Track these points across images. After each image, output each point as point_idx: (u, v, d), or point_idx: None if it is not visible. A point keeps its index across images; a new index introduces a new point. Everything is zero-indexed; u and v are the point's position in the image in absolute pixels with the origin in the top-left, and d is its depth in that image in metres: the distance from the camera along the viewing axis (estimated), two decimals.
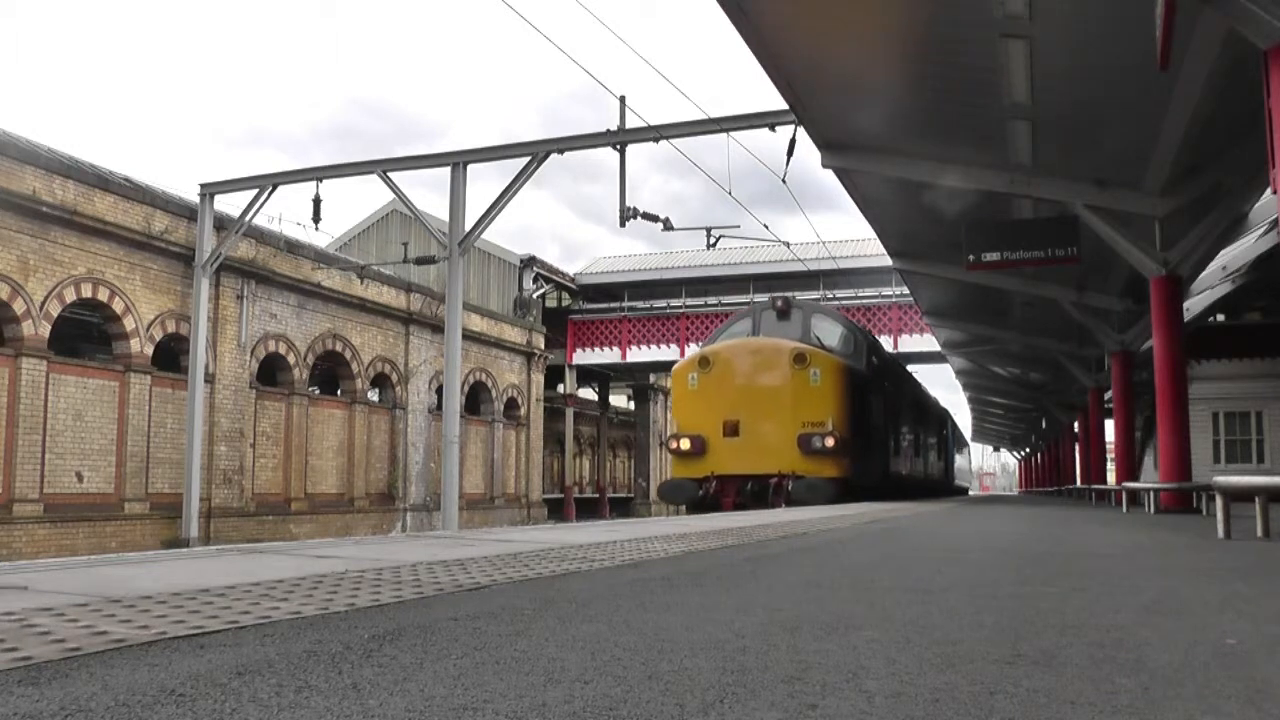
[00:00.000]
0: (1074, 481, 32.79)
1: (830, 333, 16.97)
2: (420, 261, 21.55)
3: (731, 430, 15.02)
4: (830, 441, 14.43)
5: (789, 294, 18.05)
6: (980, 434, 71.32)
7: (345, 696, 1.50)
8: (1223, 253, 16.73)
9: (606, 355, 36.73)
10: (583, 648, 1.95)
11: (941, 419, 36.00)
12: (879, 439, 18.17)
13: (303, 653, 1.81)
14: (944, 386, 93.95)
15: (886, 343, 38.67)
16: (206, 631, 1.96)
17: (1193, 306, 19.06)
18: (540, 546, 4.32)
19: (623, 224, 17.05)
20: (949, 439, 39.00)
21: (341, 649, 1.86)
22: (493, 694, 1.54)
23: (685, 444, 15.21)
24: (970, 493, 59.22)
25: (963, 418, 61.06)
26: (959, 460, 50.59)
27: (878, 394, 18.28)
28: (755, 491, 14.51)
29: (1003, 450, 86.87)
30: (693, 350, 25.29)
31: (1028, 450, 70.17)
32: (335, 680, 1.61)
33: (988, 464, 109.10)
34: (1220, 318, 22.21)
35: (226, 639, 1.90)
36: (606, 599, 2.71)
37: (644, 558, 3.97)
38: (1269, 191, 10.88)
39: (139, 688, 1.50)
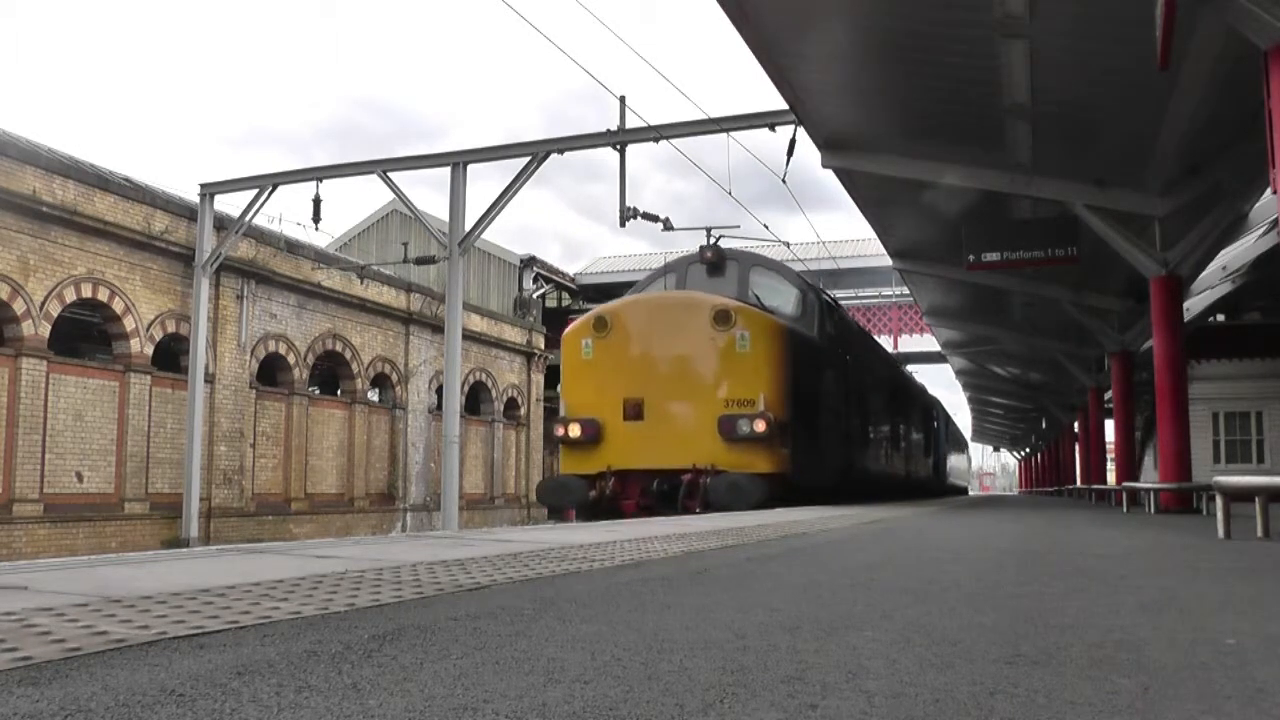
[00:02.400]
0: (1074, 482, 32.80)
1: (775, 291, 13.38)
2: (420, 261, 21.55)
3: (634, 412, 11.52)
4: (761, 426, 10.90)
5: (719, 242, 13.81)
6: (980, 434, 71.31)
7: (345, 696, 1.50)
8: (1223, 253, 16.74)
9: None
10: (583, 648, 1.95)
11: (929, 408, 31.42)
12: (837, 426, 14.40)
13: (303, 653, 1.81)
14: (944, 386, 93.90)
15: (886, 343, 38.73)
16: (206, 631, 1.96)
17: (1193, 306, 19.06)
18: (540, 547, 4.32)
19: (623, 224, 17.04)
20: (939, 432, 34.53)
21: (341, 649, 1.86)
22: (493, 694, 1.54)
23: (574, 430, 11.67)
24: (970, 494, 58.13)
25: (963, 418, 60.41)
26: (954, 458, 44.82)
27: (837, 369, 14.56)
28: (665, 492, 11.14)
29: (1003, 450, 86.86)
30: None
31: (1028, 450, 70.18)
32: (335, 680, 1.61)
33: (988, 464, 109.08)
34: (1220, 318, 22.22)
35: (226, 639, 1.90)
36: (606, 599, 2.71)
37: (644, 558, 3.97)
38: (1269, 191, 10.88)
39: (139, 688, 1.50)
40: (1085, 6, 9.37)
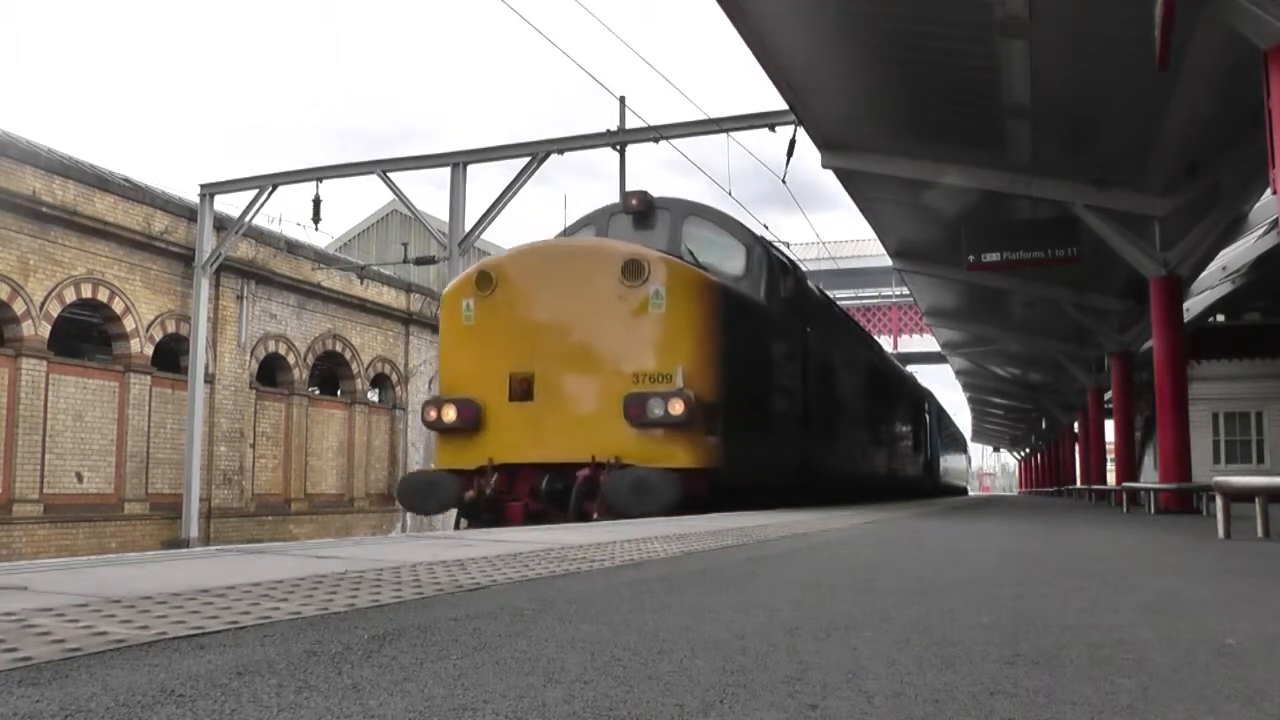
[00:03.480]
0: (1074, 482, 32.81)
1: (713, 245, 11.07)
2: (420, 262, 21.57)
3: (522, 391, 9.26)
4: (678, 407, 8.61)
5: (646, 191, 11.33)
6: (980, 434, 71.34)
7: (345, 697, 1.50)
8: (1223, 253, 16.75)
9: None
10: (582, 648, 1.95)
11: (919, 401, 27.91)
12: (792, 413, 11.90)
13: (303, 653, 1.81)
14: (944, 386, 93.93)
15: (886, 343, 38.73)
16: (206, 632, 1.96)
17: (1193, 306, 19.07)
18: (539, 547, 4.32)
19: None
20: (932, 428, 31.06)
21: (341, 649, 1.86)
22: (493, 694, 1.54)
23: (449, 414, 9.36)
24: (969, 494, 57.73)
25: (963, 418, 60.22)
26: (950, 456, 40.61)
27: (792, 344, 12.06)
28: (558, 492, 8.91)
29: (1003, 450, 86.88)
30: None
31: (1027, 451, 70.19)
32: (335, 680, 1.61)
33: (987, 464, 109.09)
34: (1220, 318, 22.22)
35: (226, 639, 1.90)
36: (606, 599, 2.71)
37: (643, 558, 3.97)
38: (1269, 191, 10.89)
39: (139, 688, 1.50)
40: (1085, 6, 9.38)
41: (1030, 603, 2.95)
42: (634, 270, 9.15)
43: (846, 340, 16.52)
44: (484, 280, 9.67)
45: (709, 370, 9.20)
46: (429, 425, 9.66)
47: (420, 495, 9.41)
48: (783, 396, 11.60)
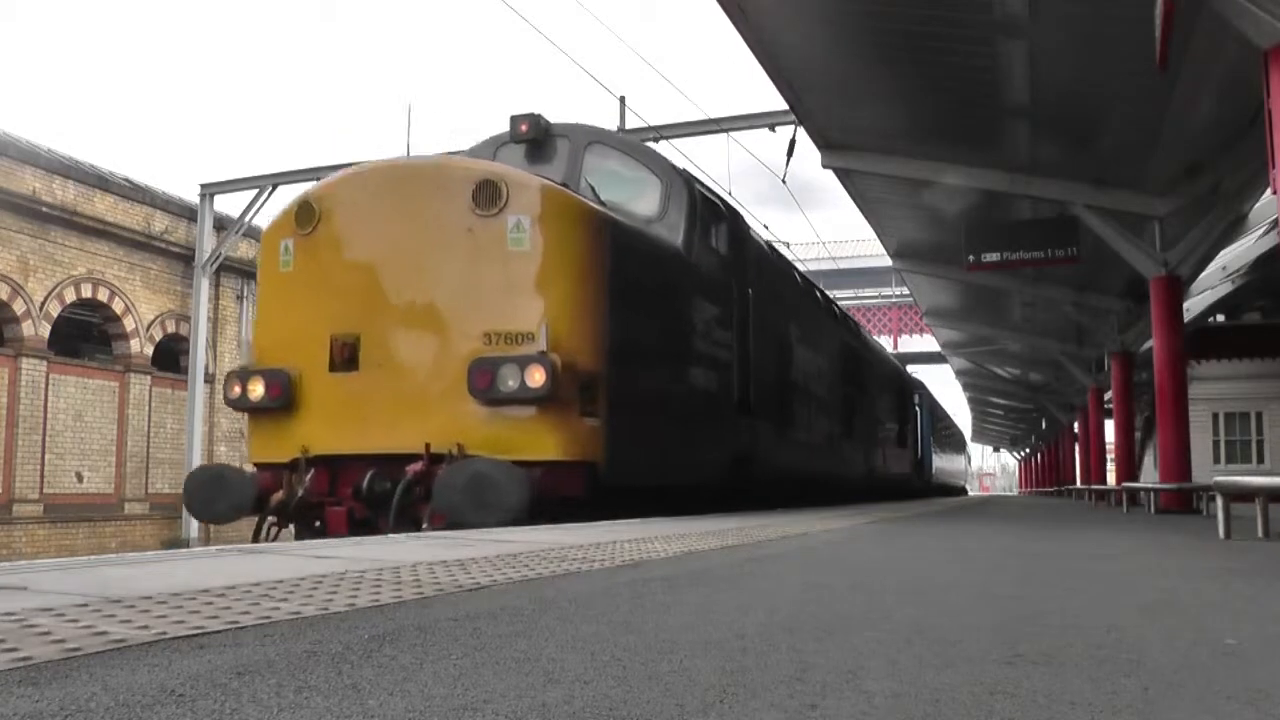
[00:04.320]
0: (1074, 482, 32.81)
1: (622, 180, 8.98)
2: None
3: (346, 359, 7.23)
4: (537, 376, 6.56)
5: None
6: (980, 434, 71.38)
7: (345, 697, 1.50)
8: (1223, 253, 16.76)
9: None
10: (582, 648, 1.95)
11: (907, 392, 25.05)
12: (719, 393, 9.49)
13: (303, 653, 1.81)
14: (944, 387, 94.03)
15: (886, 343, 38.72)
16: (206, 632, 1.96)
17: (1193, 306, 19.08)
18: (539, 547, 4.32)
19: None
20: (923, 423, 28.20)
21: (341, 649, 1.86)
22: (493, 694, 1.54)
23: (255, 389, 7.35)
24: (969, 494, 57.50)
25: (963, 418, 60.13)
26: (945, 454, 37.21)
27: (723, 306, 9.67)
28: (386, 493, 6.79)
29: (1003, 450, 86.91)
30: None
31: (1027, 451, 70.23)
32: (335, 680, 1.61)
33: (988, 464, 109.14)
34: (1220, 318, 22.23)
35: (226, 639, 1.90)
36: (606, 599, 2.71)
37: (644, 558, 3.97)
38: (1269, 191, 10.89)
39: (139, 688, 1.50)
40: (1085, 6, 9.38)
41: (1030, 603, 2.95)
42: (489, 195, 7.00)
43: (809, 311, 13.97)
44: (305, 214, 7.48)
45: (590, 329, 7.04)
46: (230, 404, 7.56)
47: (205, 496, 7.27)
48: (710, 372, 9.23)
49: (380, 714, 1.41)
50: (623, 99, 16.87)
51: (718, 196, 10.17)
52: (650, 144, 12.87)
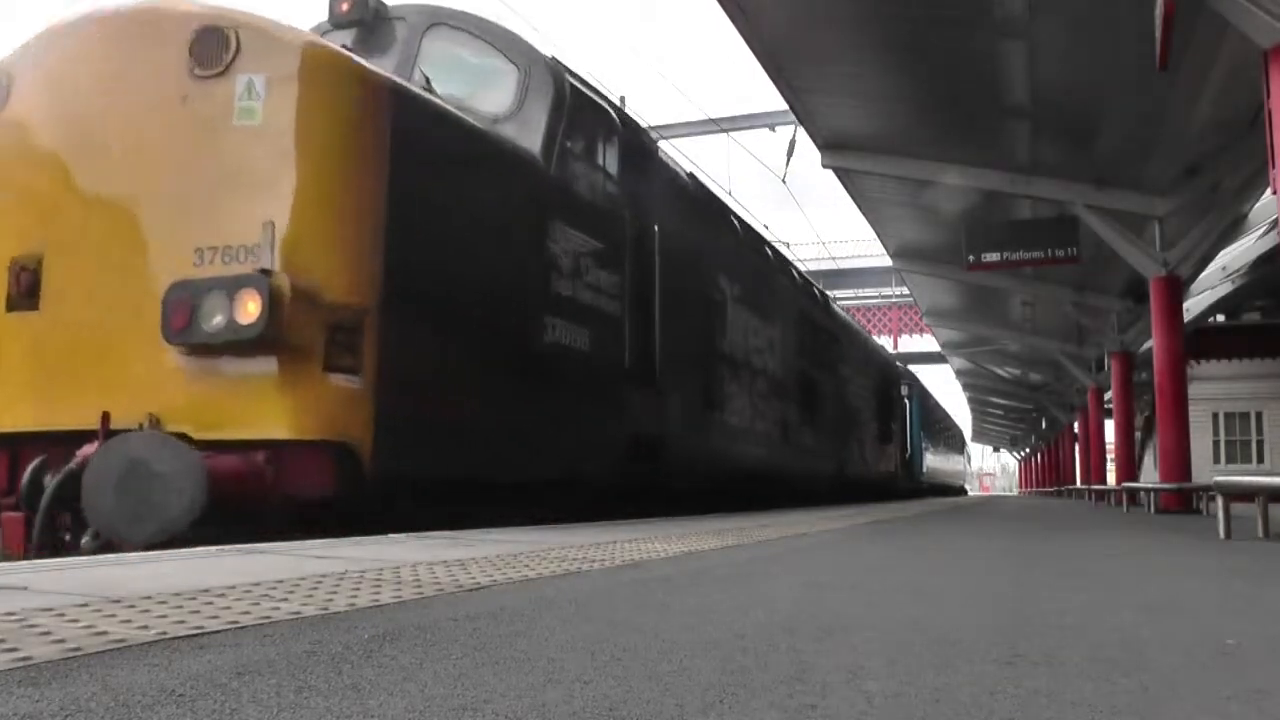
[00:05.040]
0: (1074, 482, 32.82)
1: (468, 70, 7.13)
2: None
3: (24, 290, 5.20)
4: (251, 307, 4.60)
5: None
6: (980, 434, 71.40)
7: (345, 697, 1.50)
8: (1223, 253, 16.77)
9: None
10: (582, 648, 1.95)
11: (889, 378, 22.21)
12: (604, 357, 7.47)
13: (303, 653, 1.81)
14: (944, 387, 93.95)
15: (886, 343, 38.72)
16: (206, 631, 1.96)
17: (1193, 306, 19.08)
18: (540, 547, 4.32)
19: None
20: (912, 414, 25.77)
21: (341, 649, 1.86)
22: (492, 694, 1.54)
23: None
24: (969, 494, 57.30)
25: (963, 418, 60.02)
26: (939, 452, 34.18)
27: (610, 243, 7.63)
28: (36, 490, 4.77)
29: (1003, 450, 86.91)
30: None
31: (1027, 451, 70.23)
32: (335, 680, 1.61)
33: (988, 464, 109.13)
34: (1220, 318, 22.23)
35: (226, 639, 1.90)
36: (606, 599, 2.71)
37: (643, 558, 3.97)
38: (1269, 191, 10.90)
39: (139, 688, 1.50)
40: (1085, 6, 9.39)
41: (1030, 603, 2.95)
42: (212, 47, 5.04)
43: (754, 269, 11.62)
44: None
45: (353, 245, 5.06)
46: None
47: None
48: (581, 327, 7.04)
49: (380, 714, 1.41)
50: (622, 99, 16.87)
51: (610, 102, 8.11)
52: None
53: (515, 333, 6.44)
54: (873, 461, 19.46)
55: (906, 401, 25.38)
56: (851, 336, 18.46)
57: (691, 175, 10.61)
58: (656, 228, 8.47)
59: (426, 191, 5.55)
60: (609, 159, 7.85)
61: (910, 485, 25.00)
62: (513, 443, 6.37)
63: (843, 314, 19.06)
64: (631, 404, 7.91)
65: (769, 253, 13.18)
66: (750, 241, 12.15)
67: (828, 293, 18.79)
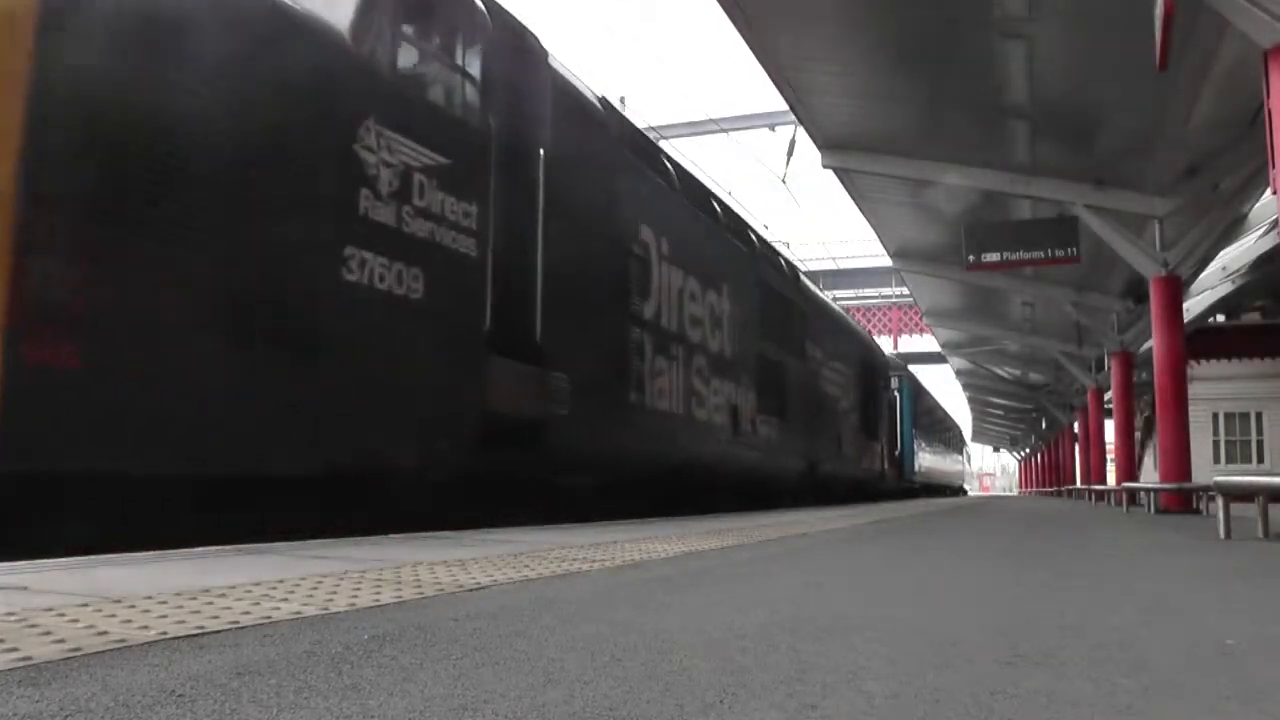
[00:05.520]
0: (1074, 482, 32.81)
1: None
2: None
3: None
4: None
5: None
6: (980, 434, 71.41)
7: (345, 697, 1.50)
8: (1223, 253, 16.78)
9: None
10: (582, 648, 1.95)
11: (871, 365, 20.02)
12: (436, 307, 5.64)
13: (303, 653, 1.81)
14: (944, 386, 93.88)
15: (886, 343, 38.77)
16: (207, 632, 1.96)
17: (1193, 306, 19.09)
18: (540, 547, 4.32)
19: None
20: (902, 408, 24.48)
21: (342, 649, 1.86)
22: (492, 694, 1.54)
23: None
24: (969, 494, 57.26)
25: (963, 418, 60.00)
26: (933, 449, 32.27)
27: (454, 153, 5.91)
28: None
29: (1003, 451, 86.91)
30: None
31: (1027, 451, 70.23)
32: (335, 681, 1.61)
33: (987, 465, 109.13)
34: (1220, 318, 22.24)
35: (227, 639, 1.90)
36: (606, 599, 2.71)
37: (644, 558, 3.97)
38: (1269, 191, 10.91)
39: (139, 688, 1.50)
40: (1084, 6, 9.39)
41: (1030, 603, 2.95)
42: None
43: (693, 223, 10.00)
44: None
45: None
46: None
47: None
48: (410, 268, 5.42)
49: (380, 714, 1.41)
50: (622, 99, 16.88)
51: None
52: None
53: (279, 262, 4.67)
54: (853, 458, 17.69)
55: (897, 395, 23.89)
56: (827, 317, 16.43)
57: (606, 102, 8.57)
58: (543, 152, 6.73)
59: (106, 68, 3.98)
60: (468, 57, 6.26)
61: (899, 485, 23.41)
62: (251, 420, 4.55)
63: (817, 291, 16.83)
64: (493, 377, 6.12)
65: (717, 207, 11.10)
66: (692, 193, 10.22)
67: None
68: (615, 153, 8.41)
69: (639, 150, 9.06)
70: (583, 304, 7.43)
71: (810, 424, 14.43)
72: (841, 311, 19.39)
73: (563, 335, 6.94)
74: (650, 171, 9.20)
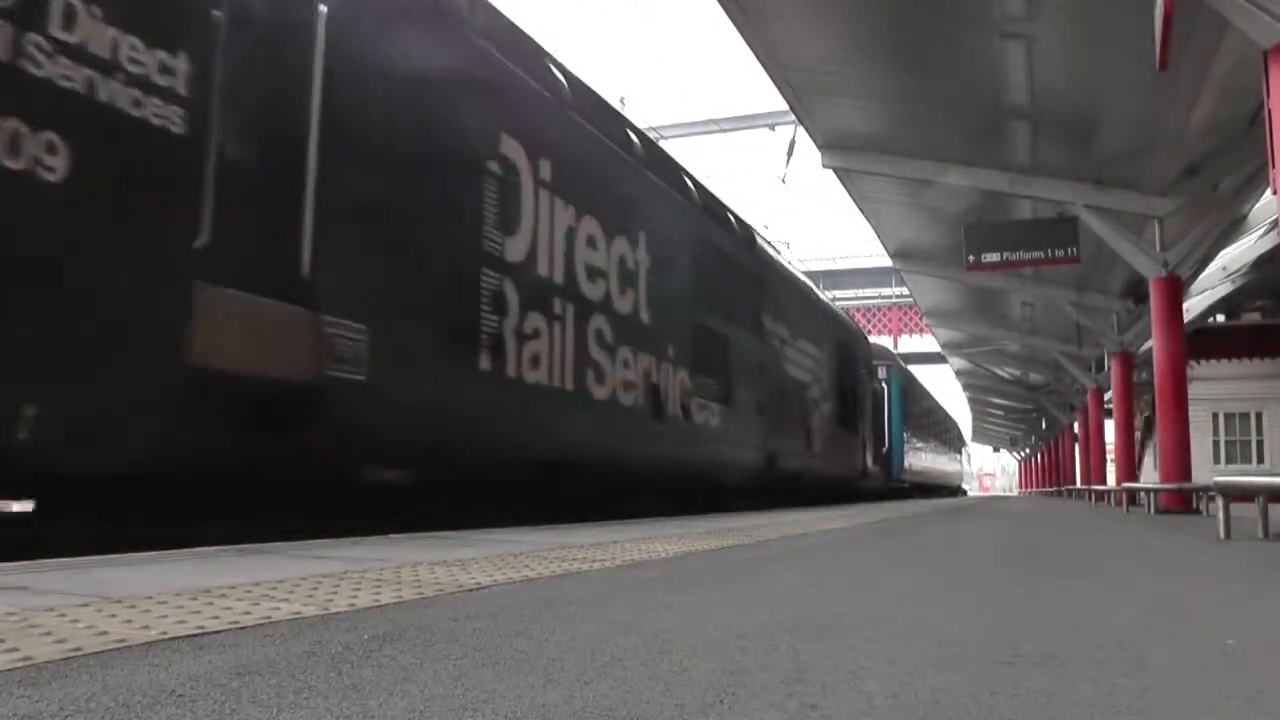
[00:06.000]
0: (1074, 482, 32.81)
1: None
2: None
3: None
4: None
5: None
6: (980, 434, 71.39)
7: (345, 697, 1.50)
8: (1223, 253, 16.78)
9: None
10: (582, 648, 1.95)
11: (853, 350, 18.21)
12: (129, 197, 3.83)
13: (303, 653, 1.81)
14: (944, 386, 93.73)
15: (886, 343, 38.75)
16: (207, 632, 1.96)
17: (1193, 306, 19.09)
18: (540, 547, 4.32)
19: None
20: (892, 399, 23.07)
21: (342, 649, 1.86)
22: (492, 694, 1.54)
23: None
24: (969, 494, 57.25)
25: (963, 418, 59.92)
26: (927, 446, 30.66)
27: (256, 46, 4.39)
28: None
29: (1003, 451, 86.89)
30: None
31: (1027, 451, 70.22)
32: (335, 681, 1.61)
33: (987, 465, 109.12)
34: (1220, 318, 22.24)
35: (227, 639, 1.90)
36: (606, 599, 2.71)
37: (644, 558, 3.97)
38: (1269, 191, 10.91)
39: (139, 688, 1.50)
40: (1084, 6, 9.39)
41: (1030, 603, 2.95)
42: None
43: (589, 151, 8.11)
44: None
45: None
46: None
47: None
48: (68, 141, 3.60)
49: (380, 714, 1.41)
50: (622, 100, 16.88)
51: None
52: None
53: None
54: (826, 454, 15.54)
55: (885, 386, 21.84)
56: (794, 291, 14.30)
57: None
58: (324, 9, 4.94)
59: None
60: None
61: (885, 485, 21.41)
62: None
63: (779, 259, 14.61)
64: (211, 316, 4.22)
65: (634, 139, 9.24)
66: (594, 115, 8.31)
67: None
68: (462, 40, 6.42)
69: (508, 48, 6.99)
70: (394, 229, 5.50)
71: (769, 412, 12.34)
72: (815, 288, 17.04)
73: (355, 270, 5.15)
74: (523, 73, 7.14)
